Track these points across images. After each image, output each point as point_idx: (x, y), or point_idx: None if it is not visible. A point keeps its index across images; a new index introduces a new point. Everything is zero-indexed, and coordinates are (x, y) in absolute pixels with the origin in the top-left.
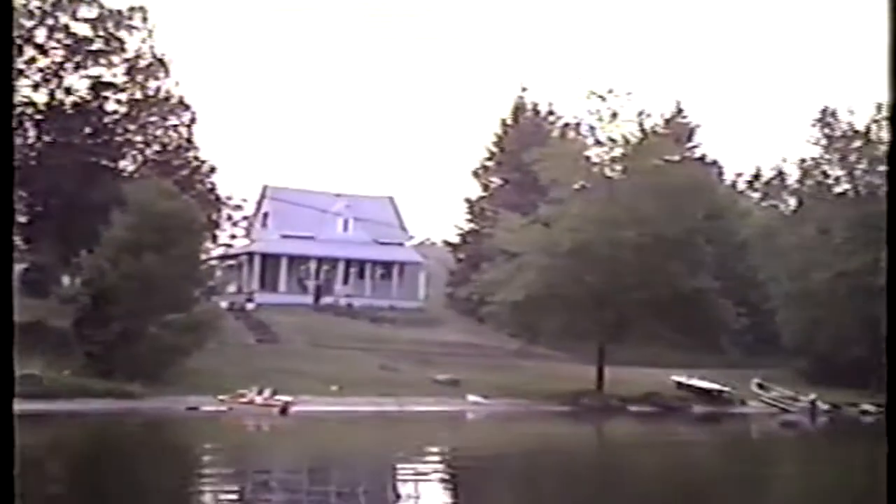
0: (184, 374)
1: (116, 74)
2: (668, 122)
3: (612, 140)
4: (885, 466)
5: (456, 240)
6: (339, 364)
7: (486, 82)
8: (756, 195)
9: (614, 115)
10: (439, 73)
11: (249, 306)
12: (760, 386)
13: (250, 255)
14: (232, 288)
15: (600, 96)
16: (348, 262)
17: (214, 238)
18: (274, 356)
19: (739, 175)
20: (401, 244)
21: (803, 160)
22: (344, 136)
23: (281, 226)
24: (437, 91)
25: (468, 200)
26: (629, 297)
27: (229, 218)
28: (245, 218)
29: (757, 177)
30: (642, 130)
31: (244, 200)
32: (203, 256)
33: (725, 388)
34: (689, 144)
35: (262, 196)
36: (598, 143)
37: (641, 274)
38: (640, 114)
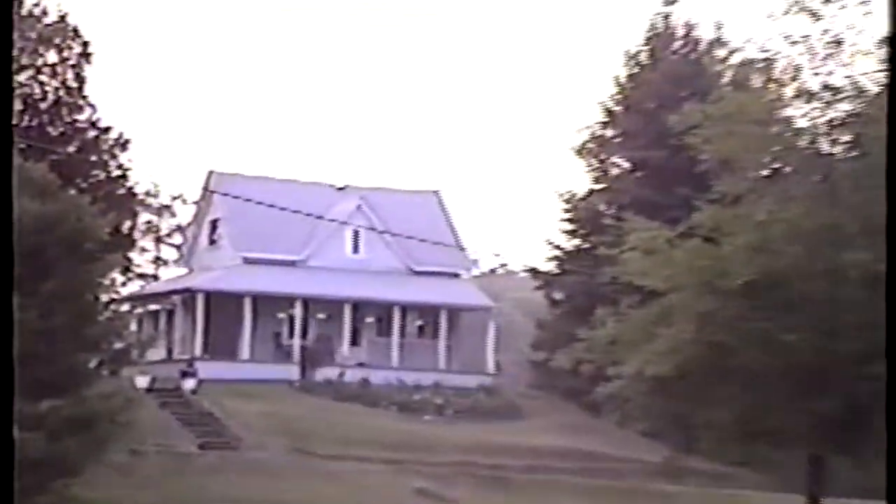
0: None
1: None
2: None
3: (833, 89)
4: None
5: (549, 267)
6: (342, 488)
7: None
8: None
9: (836, 44)
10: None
11: (188, 385)
12: None
13: (189, 294)
14: (157, 353)
15: (810, 11)
16: (360, 307)
17: (126, 265)
18: (230, 474)
19: None
20: (454, 275)
21: None
22: (357, 109)
23: (242, 243)
24: (505, 25)
25: (569, 199)
26: (863, 370)
27: (152, 229)
28: (180, 229)
29: None
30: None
31: (178, 199)
32: (104, 298)
33: None
34: None
35: (208, 189)
36: (807, 94)
37: (885, 330)
38: (886, 41)
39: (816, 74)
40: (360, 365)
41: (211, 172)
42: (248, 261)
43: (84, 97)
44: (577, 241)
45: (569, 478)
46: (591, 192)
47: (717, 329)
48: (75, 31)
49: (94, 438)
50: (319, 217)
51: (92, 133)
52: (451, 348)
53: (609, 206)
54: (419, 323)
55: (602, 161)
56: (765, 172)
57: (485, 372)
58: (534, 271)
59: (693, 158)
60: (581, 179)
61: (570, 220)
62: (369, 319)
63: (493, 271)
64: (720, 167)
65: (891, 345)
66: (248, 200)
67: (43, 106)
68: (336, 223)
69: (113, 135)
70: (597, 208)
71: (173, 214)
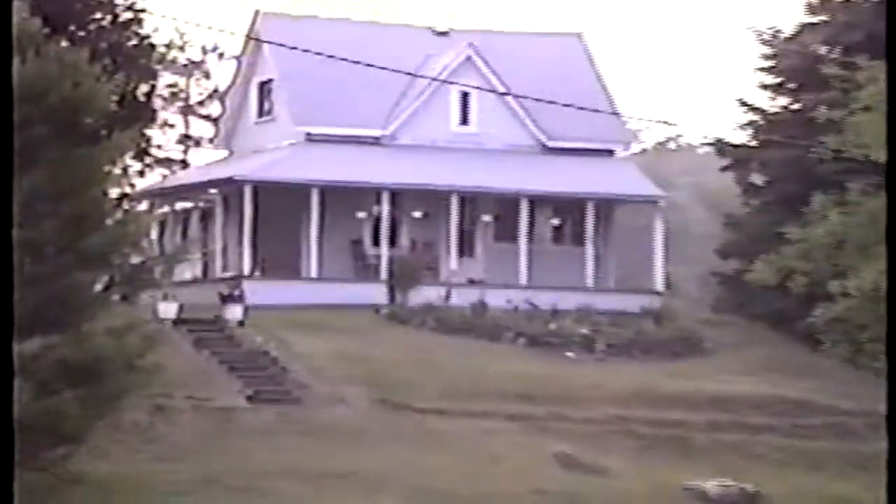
0: (73, 484)
1: None
2: None
3: None
4: None
5: (742, 138)
6: (450, 455)
7: None
8: None
9: None
10: None
11: (232, 314)
12: None
13: (233, 185)
14: (189, 270)
15: None
16: (473, 201)
17: (144, 147)
18: (291, 436)
19: None
20: (607, 152)
21: None
22: None
23: (305, 113)
24: None
25: (771, 39)
26: None
27: (178, 96)
28: (217, 95)
29: None
30: None
31: (213, 52)
32: (113, 193)
33: None
34: None
35: (255, 38)
36: None
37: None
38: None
39: None
40: (474, 282)
41: (258, 13)
42: (313, 138)
43: None
44: (784, 101)
45: (771, 438)
46: (804, 27)
47: None
48: None
49: (102, 390)
50: (412, 75)
51: None
52: (602, 257)
53: (832, 47)
54: (556, 221)
55: None
56: None
57: (651, 290)
58: (721, 145)
59: None
60: (789, 10)
61: (772, 71)
62: (486, 218)
63: (661, 146)
64: None
65: (891, 344)
66: (313, 53)
67: None
68: (437, 82)
69: None
70: (813, 51)
71: (207, 75)
